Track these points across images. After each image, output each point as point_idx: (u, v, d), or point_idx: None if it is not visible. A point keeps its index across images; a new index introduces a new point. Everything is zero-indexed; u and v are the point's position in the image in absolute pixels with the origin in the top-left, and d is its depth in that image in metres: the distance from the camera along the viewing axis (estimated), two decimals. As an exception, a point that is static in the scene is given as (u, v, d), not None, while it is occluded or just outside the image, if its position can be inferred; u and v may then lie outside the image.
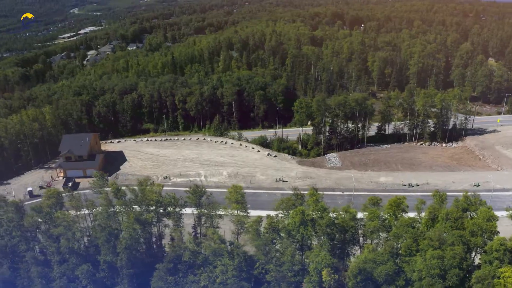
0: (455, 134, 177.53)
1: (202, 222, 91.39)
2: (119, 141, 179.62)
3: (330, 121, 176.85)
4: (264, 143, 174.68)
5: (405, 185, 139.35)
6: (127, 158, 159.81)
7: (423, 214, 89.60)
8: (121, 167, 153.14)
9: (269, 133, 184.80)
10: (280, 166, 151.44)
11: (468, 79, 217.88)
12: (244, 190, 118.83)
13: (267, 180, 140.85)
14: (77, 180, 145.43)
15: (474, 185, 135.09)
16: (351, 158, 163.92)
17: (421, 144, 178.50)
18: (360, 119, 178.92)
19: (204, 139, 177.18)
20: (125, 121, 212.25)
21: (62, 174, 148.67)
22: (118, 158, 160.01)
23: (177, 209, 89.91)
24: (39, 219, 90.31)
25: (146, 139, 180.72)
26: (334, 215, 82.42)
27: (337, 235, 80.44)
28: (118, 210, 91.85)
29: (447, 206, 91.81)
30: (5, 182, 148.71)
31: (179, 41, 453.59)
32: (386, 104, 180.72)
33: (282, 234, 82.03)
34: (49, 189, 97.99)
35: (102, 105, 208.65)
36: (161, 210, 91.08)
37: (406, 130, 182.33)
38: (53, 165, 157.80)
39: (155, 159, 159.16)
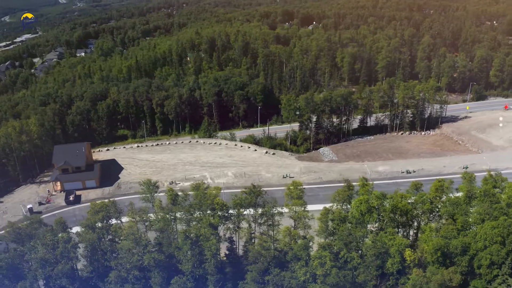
0: (432, 122, 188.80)
1: (262, 221, 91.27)
2: (108, 149, 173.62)
3: (316, 116, 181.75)
4: (254, 142, 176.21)
5: (403, 172, 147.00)
6: (122, 166, 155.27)
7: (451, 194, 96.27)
8: (119, 175, 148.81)
9: (252, 132, 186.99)
10: (281, 163, 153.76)
11: (433, 70, 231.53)
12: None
13: (274, 177, 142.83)
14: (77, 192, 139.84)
15: (464, 168, 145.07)
16: (343, 151, 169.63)
17: (402, 134, 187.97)
18: (344, 113, 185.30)
19: (197, 141, 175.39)
20: (101, 128, 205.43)
21: (59, 188, 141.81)
22: (113, 167, 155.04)
23: (242, 210, 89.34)
24: (92, 237, 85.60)
25: (136, 145, 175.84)
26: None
27: (398, 219, 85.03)
28: (178, 216, 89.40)
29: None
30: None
31: (130, 45, 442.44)
32: (367, 97, 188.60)
33: (348, 223, 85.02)
34: (94, 203, 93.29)
35: (76, 113, 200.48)
36: (222, 214, 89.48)
37: (386, 121, 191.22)
38: (46, 178, 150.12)
39: (152, 165, 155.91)
